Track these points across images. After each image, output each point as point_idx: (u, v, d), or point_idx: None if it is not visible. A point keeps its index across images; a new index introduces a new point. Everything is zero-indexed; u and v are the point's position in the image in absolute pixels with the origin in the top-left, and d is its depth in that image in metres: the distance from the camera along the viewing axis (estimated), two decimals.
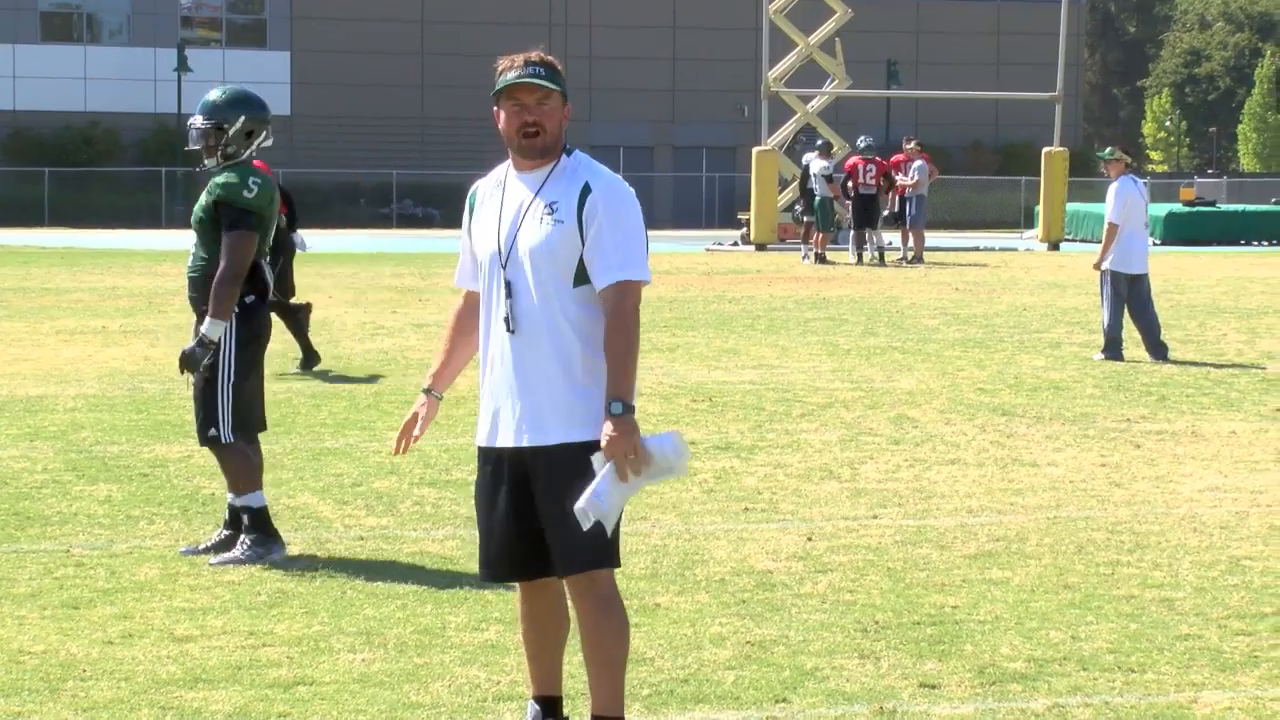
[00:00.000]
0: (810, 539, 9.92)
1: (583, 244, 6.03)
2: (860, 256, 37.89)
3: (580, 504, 5.89)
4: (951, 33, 76.93)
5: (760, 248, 43.92)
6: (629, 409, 5.93)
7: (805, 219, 39.30)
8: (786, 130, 48.65)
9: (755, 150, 45.72)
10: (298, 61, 71.66)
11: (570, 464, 6.00)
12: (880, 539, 9.96)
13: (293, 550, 9.53)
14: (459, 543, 9.75)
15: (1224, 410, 15.28)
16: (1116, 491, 11.51)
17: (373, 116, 71.19)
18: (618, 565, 6.14)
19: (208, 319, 9.18)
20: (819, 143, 41.07)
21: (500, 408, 6.12)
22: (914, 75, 71.10)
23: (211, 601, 8.45)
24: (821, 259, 37.72)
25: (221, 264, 9.21)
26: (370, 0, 71.73)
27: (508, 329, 6.09)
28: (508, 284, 6.10)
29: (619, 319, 6.01)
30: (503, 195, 6.18)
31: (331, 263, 36.51)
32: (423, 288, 29.51)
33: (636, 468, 5.93)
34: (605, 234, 6.03)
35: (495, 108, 6.14)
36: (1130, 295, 19.23)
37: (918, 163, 38.67)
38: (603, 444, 5.93)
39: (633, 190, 6.19)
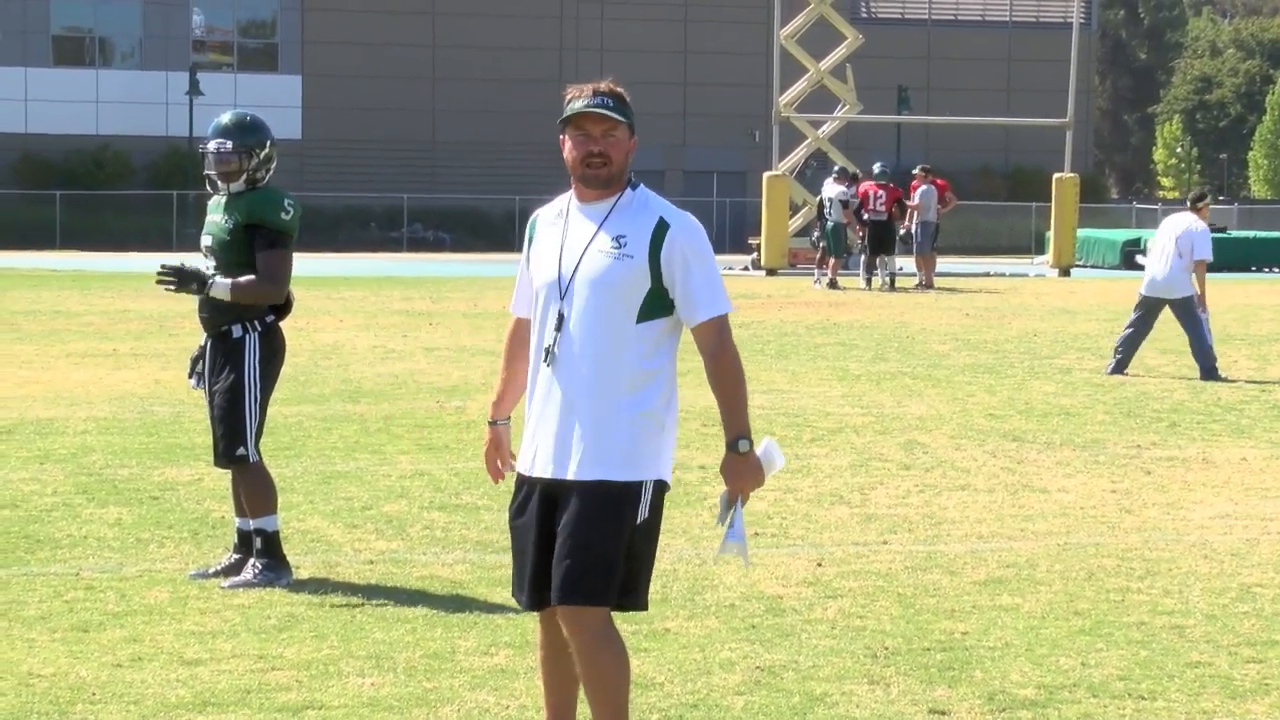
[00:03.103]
0: (820, 564, 9.91)
1: (652, 280, 5.99)
2: (869, 282, 37.90)
3: (728, 548, 6.02)
4: (962, 59, 77.00)
5: (771, 273, 43.93)
6: (753, 445, 5.99)
7: (821, 244, 39.33)
8: (797, 155, 48.68)
9: (766, 175, 45.72)
10: (309, 85, 71.80)
11: (597, 502, 5.97)
12: (890, 565, 9.95)
13: (302, 574, 9.53)
14: (469, 567, 9.75)
15: (1235, 437, 15.26)
16: (1127, 518, 11.50)
17: (383, 140, 71.31)
18: (610, 605, 6.03)
19: (225, 281, 9.21)
20: (836, 168, 41.08)
21: (540, 437, 6.09)
22: (925, 101, 71.17)
23: (221, 625, 8.45)
24: (833, 284, 37.73)
25: (260, 279, 9.24)
26: (381, 25, 71.86)
27: (545, 360, 6.05)
28: (560, 316, 6.04)
29: (725, 354, 6.07)
30: (565, 225, 6.11)
31: (342, 286, 36.54)
32: (433, 312, 29.52)
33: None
34: (694, 272, 6.01)
35: (561, 135, 6.13)
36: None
37: (923, 188, 38.78)
38: (729, 480, 6.04)
39: (698, 224, 6.18)
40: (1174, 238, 20.24)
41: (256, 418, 9.35)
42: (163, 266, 9.38)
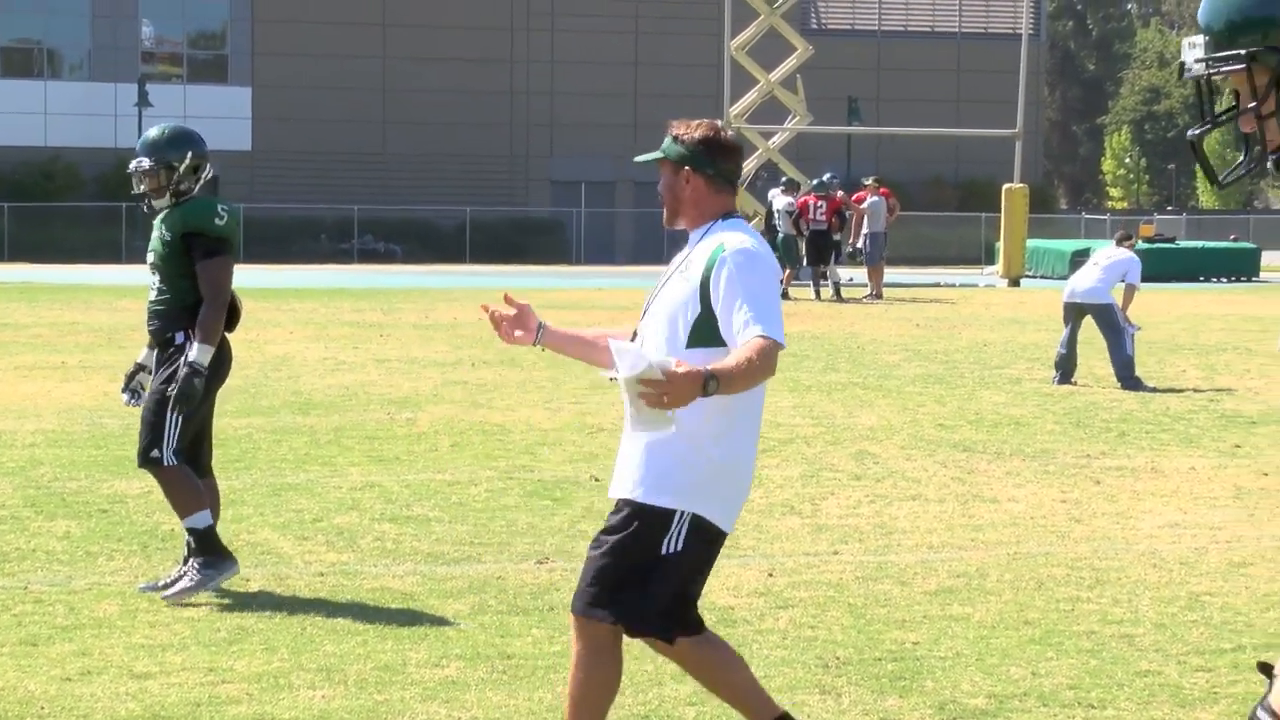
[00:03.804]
0: (771, 575, 9.92)
1: (701, 306, 5.96)
2: (819, 293, 38.01)
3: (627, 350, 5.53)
4: (912, 70, 77.20)
5: None
6: (713, 379, 5.55)
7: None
8: (748, 166, 48.75)
9: None
10: (259, 97, 71.58)
11: (641, 523, 5.97)
12: (841, 575, 9.97)
13: (253, 587, 9.50)
14: (420, 579, 9.73)
15: (1183, 446, 15.33)
16: (1076, 527, 11.54)
17: (334, 152, 71.13)
18: (612, 622, 6.02)
19: (196, 345, 9.18)
20: (784, 180, 41.17)
21: (620, 457, 6.17)
22: (875, 112, 71.33)
23: (171, 638, 8.41)
24: (784, 295, 37.79)
25: (205, 293, 9.23)
26: (332, 36, 71.70)
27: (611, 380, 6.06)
28: (634, 334, 6.17)
29: (759, 352, 5.75)
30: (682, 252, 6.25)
31: (292, 298, 36.44)
32: (384, 323, 29.47)
33: (653, 403, 5.52)
34: (738, 296, 5.89)
35: None
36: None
37: (872, 199, 38.95)
38: (670, 376, 5.48)
39: (767, 254, 6.10)
40: (1106, 263, 21.12)
41: (178, 425, 9.30)
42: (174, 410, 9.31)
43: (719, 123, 6.37)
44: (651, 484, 5.97)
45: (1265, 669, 3.38)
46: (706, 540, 6.04)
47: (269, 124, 71.02)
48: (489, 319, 6.31)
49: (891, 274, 40.17)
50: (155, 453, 9.31)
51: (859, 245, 39.21)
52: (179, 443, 9.32)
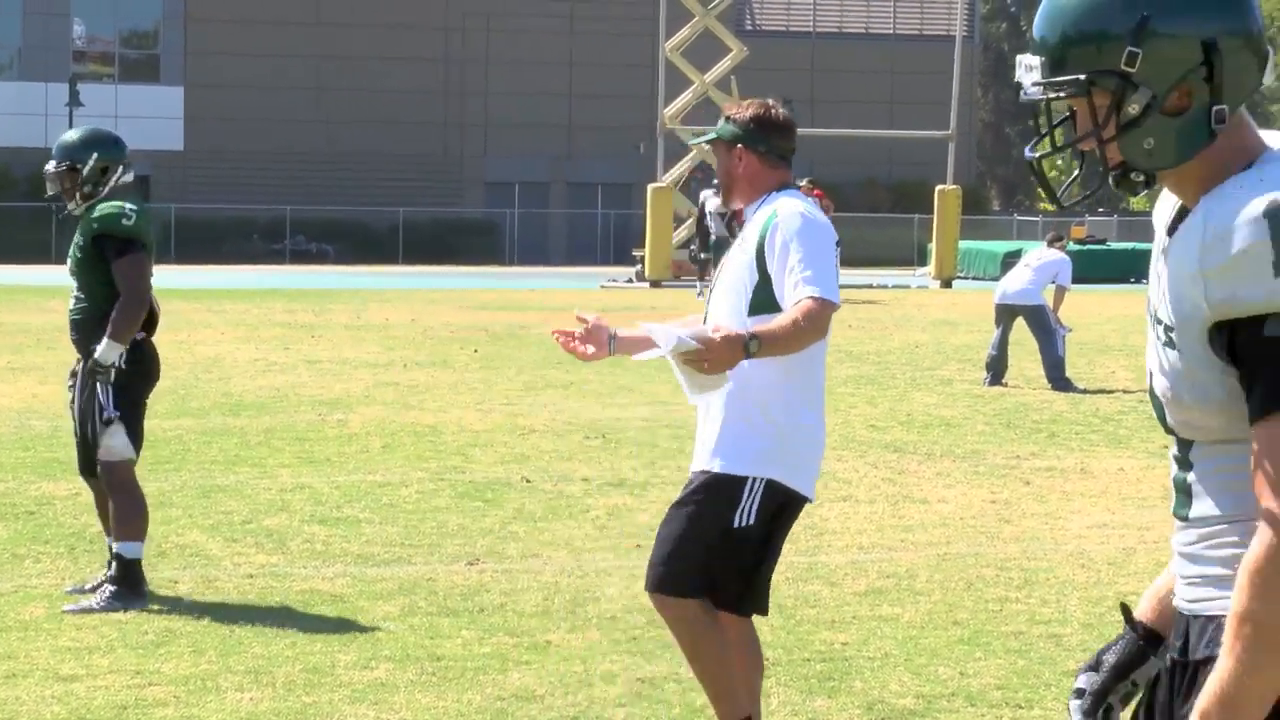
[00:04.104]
0: None
1: (758, 272, 6.07)
2: None
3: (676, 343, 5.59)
4: (846, 71, 77.41)
5: (655, 284, 44.00)
6: (754, 339, 5.64)
7: (701, 256, 39.44)
8: (682, 167, 48.81)
9: (651, 187, 45.84)
10: (191, 96, 71.23)
11: (712, 492, 6.07)
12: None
13: (181, 589, 9.46)
14: (349, 580, 9.70)
15: (1112, 447, 15.42)
16: (1006, 528, 11.59)
17: (267, 152, 70.85)
18: (690, 595, 6.12)
19: (105, 340, 9.10)
20: (715, 181, 41.17)
21: (697, 438, 6.28)
22: (809, 113, 71.49)
23: (98, 641, 8.36)
24: None
25: (121, 290, 9.15)
26: (266, 36, 71.42)
27: None
28: (704, 315, 6.26)
29: (805, 314, 5.86)
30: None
31: (224, 299, 36.29)
32: (316, 324, 29.36)
33: (700, 367, 5.61)
34: (790, 257, 6.01)
35: None
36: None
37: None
38: (707, 343, 5.56)
39: (822, 219, 6.15)
40: (1037, 265, 21.35)
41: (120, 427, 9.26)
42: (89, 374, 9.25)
43: (770, 100, 6.45)
44: (724, 454, 6.08)
45: (1125, 610, 3.45)
46: (782, 505, 6.12)
47: (201, 124, 70.68)
48: (561, 344, 6.32)
49: None
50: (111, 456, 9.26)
51: None
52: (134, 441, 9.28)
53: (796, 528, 11.34)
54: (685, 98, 48.38)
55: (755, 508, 6.05)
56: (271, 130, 70.84)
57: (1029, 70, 3.15)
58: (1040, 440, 15.78)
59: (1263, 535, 2.92)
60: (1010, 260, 47.78)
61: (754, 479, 6.05)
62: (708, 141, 6.36)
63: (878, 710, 7.36)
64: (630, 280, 46.74)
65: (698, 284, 39.61)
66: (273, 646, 8.26)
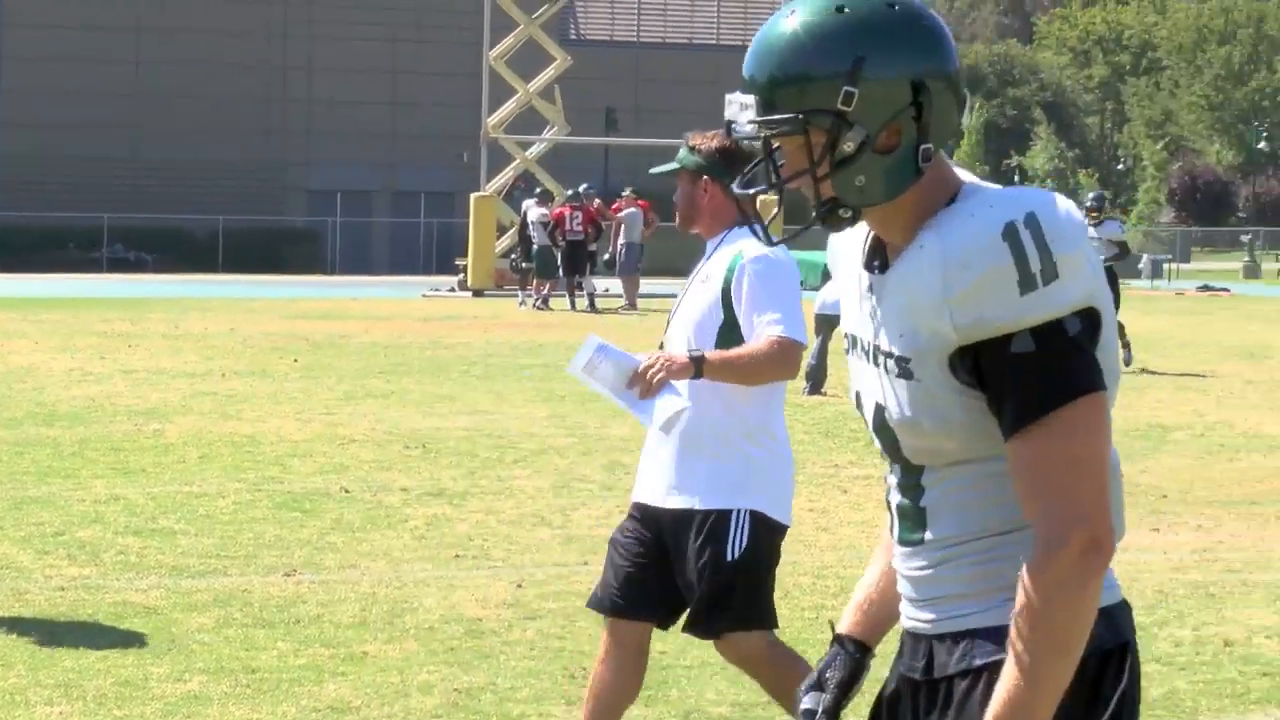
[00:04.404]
0: (520, 586, 9.93)
1: (724, 313, 6.08)
2: (574, 303, 38.13)
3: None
4: (670, 81, 77.70)
5: (478, 294, 43.92)
6: (697, 362, 5.88)
7: (523, 265, 39.45)
8: (505, 176, 48.77)
9: (474, 196, 45.74)
10: (6, 102, 70.12)
11: (700, 529, 6.09)
12: (590, 585, 9.93)
13: None
14: (163, 592, 9.59)
15: None
16: (823, 536, 11.69)
17: (83, 159, 69.86)
18: (706, 636, 6.30)
19: None
20: (538, 190, 41.24)
21: (648, 463, 6.26)
22: (633, 122, 71.69)
23: None
24: (544, 305, 37.90)
25: None
26: (83, 41, 70.45)
27: None
28: (660, 346, 6.28)
29: (769, 346, 5.97)
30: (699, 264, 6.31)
31: (39, 308, 35.73)
32: (133, 333, 28.97)
33: (634, 386, 6.01)
34: (756, 298, 6.04)
35: None
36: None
37: (629, 210, 39.17)
38: (657, 359, 5.95)
39: (786, 259, 6.15)
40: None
41: None
42: None
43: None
44: (700, 490, 6.08)
45: (833, 626, 3.58)
46: (768, 532, 6.15)
47: (14, 130, 69.53)
48: None
49: (648, 284, 40.37)
50: None
51: (615, 251, 39.38)
52: None
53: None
54: (509, 107, 48.34)
55: (745, 534, 6.10)
56: (89, 136, 69.87)
57: (744, 109, 3.18)
58: (858, 449, 15.93)
59: (1041, 540, 2.98)
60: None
61: (738, 510, 6.09)
62: (670, 172, 6.35)
63: (694, 718, 7.39)
64: (453, 289, 46.58)
65: (519, 293, 39.61)
66: (84, 660, 8.15)
